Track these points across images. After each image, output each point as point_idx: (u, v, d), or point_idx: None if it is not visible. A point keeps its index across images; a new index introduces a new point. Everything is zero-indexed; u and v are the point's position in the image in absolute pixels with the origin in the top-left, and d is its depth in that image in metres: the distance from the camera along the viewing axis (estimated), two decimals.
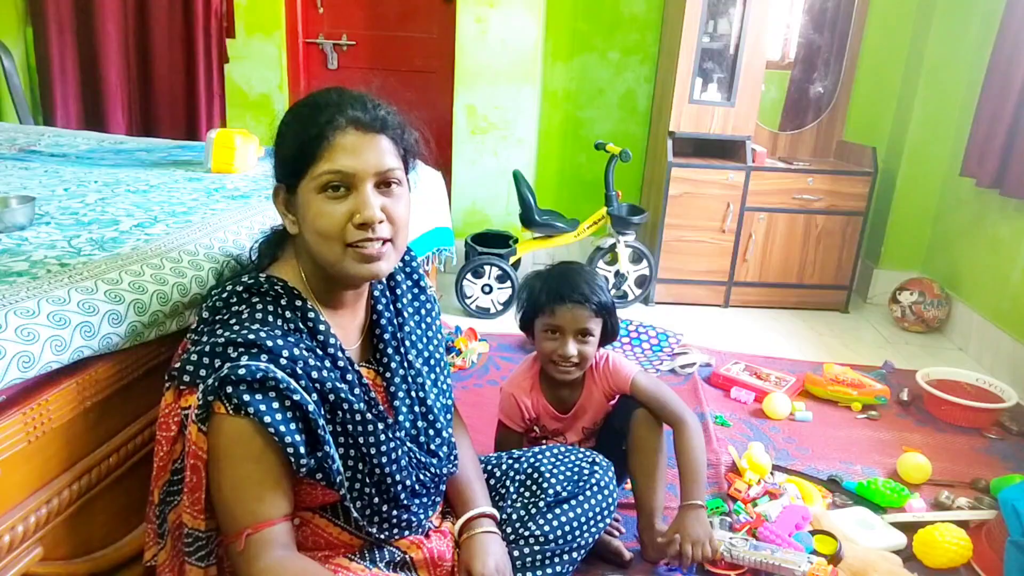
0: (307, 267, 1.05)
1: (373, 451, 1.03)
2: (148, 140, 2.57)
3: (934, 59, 3.20)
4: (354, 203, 0.98)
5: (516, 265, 3.12)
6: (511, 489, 1.31)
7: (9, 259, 1.11)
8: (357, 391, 1.05)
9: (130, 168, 1.98)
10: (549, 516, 1.26)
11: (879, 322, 3.26)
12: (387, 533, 1.10)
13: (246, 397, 0.91)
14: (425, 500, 1.14)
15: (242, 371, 0.90)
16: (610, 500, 1.35)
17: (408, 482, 1.07)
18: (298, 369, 0.95)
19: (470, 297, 3.02)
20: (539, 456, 1.37)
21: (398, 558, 1.10)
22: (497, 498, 1.30)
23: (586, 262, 3.21)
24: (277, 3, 3.41)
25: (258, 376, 0.91)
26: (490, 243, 3.13)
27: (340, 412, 1.00)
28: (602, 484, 1.33)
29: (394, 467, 1.04)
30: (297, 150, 0.99)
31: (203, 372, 0.94)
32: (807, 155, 3.56)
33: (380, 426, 1.04)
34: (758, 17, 3.05)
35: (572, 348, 1.52)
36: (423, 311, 1.22)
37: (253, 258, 1.14)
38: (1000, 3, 2.77)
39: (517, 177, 3.10)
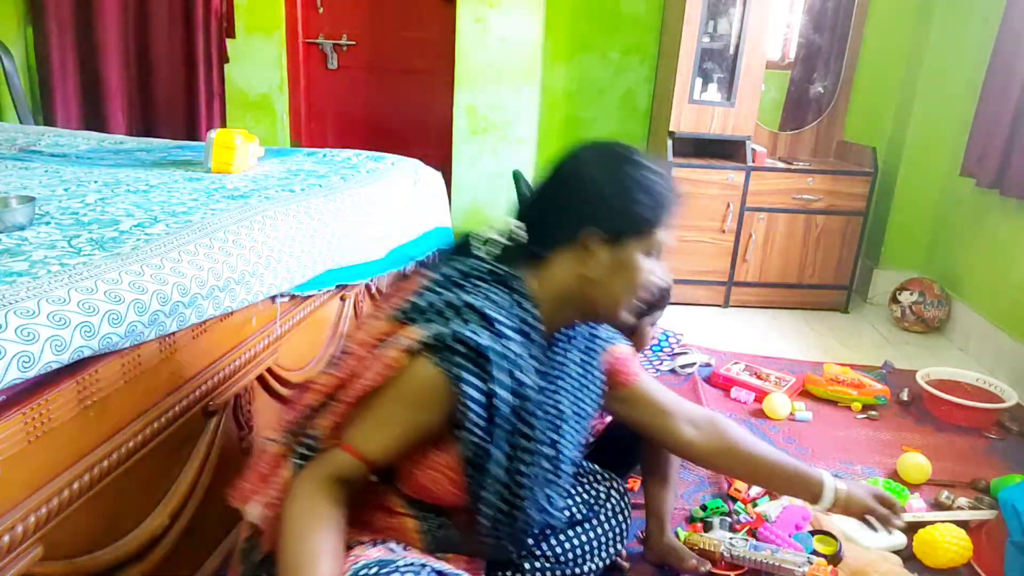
0: (551, 292, 1.08)
1: (523, 469, 1.05)
2: (148, 140, 2.57)
3: (934, 59, 3.20)
4: (658, 267, 1.10)
5: None
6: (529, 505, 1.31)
7: (9, 259, 1.11)
8: (540, 412, 1.08)
9: (130, 168, 1.98)
10: (562, 537, 1.27)
11: (879, 322, 3.26)
12: (490, 550, 1.11)
13: (464, 362, 0.95)
14: (530, 535, 1.16)
15: (480, 340, 0.95)
16: (624, 526, 1.35)
17: (529, 511, 1.08)
18: (513, 368, 1.00)
19: None
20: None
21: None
22: None
23: None
24: (277, 3, 3.41)
25: (485, 352, 0.95)
26: None
27: (526, 424, 1.03)
28: (617, 510, 1.34)
29: (525, 490, 1.06)
30: (652, 215, 1.05)
31: (435, 318, 0.98)
32: (807, 155, 3.56)
33: (541, 453, 1.07)
34: (758, 17, 3.05)
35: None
36: (590, 355, 1.21)
37: (480, 245, 1.14)
38: (1000, 3, 2.77)
39: (517, 177, 3.10)
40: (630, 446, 1.57)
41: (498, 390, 0.97)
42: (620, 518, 1.34)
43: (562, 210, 1.07)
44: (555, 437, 1.12)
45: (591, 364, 1.20)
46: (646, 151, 1.13)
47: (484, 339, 0.96)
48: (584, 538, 1.28)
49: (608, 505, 1.33)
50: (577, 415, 1.16)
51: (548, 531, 1.26)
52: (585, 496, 1.32)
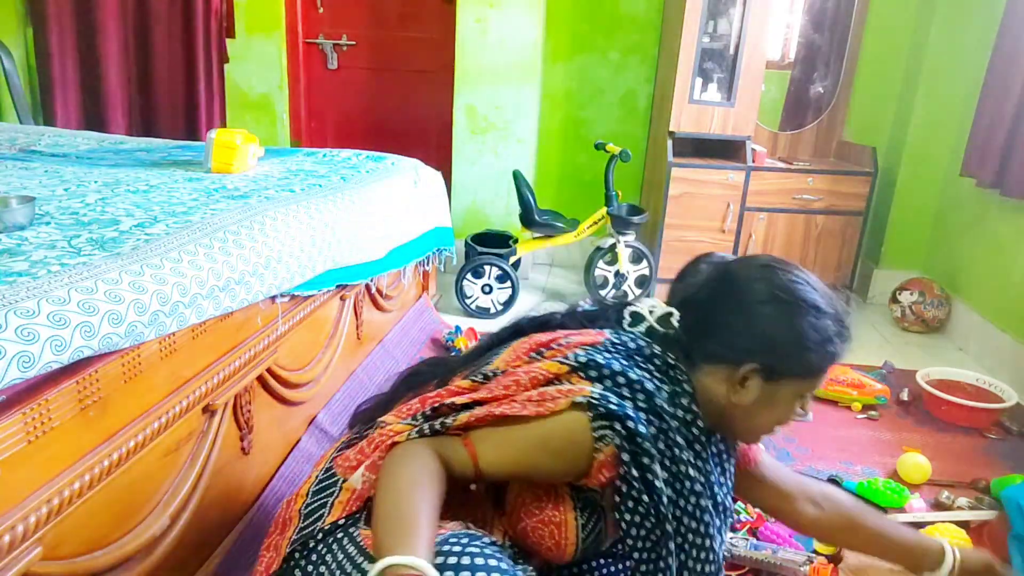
0: (699, 398, 1.07)
1: (663, 546, 1.03)
2: (148, 140, 2.57)
3: (934, 59, 3.20)
4: (805, 405, 1.09)
5: (516, 265, 3.12)
6: None
7: (9, 259, 1.11)
8: (706, 494, 1.07)
9: (130, 168, 1.98)
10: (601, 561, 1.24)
11: (879, 322, 3.26)
12: None
13: (618, 442, 0.96)
14: None
15: (643, 429, 0.96)
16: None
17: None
18: (667, 460, 1.00)
19: (470, 297, 3.02)
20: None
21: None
22: None
23: (586, 262, 3.21)
24: (277, 3, 3.41)
25: (639, 441, 0.96)
26: (490, 243, 3.13)
27: (686, 515, 1.03)
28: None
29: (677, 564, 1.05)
30: (818, 363, 1.04)
31: (608, 384, 0.99)
32: (807, 155, 3.56)
33: (704, 532, 1.06)
34: (758, 17, 3.05)
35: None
36: (727, 457, 1.19)
37: (637, 327, 1.13)
38: (1000, 3, 2.77)
39: (517, 177, 3.10)
40: None
41: (649, 476, 0.97)
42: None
43: (727, 331, 1.05)
44: (713, 532, 1.10)
45: (725, 460, 1.19)
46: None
47: (647, 431, 0.97)
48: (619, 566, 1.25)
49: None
50: (716, 511, 1.13)
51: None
52: None
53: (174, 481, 1.21)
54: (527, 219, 3.08)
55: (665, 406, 1.01)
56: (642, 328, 1.11)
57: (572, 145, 3.65)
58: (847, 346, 1.06)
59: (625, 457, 0.96)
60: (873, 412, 2.33)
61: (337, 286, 1.80)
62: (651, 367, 1.05)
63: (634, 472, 0.96)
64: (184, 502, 1.21)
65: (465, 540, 0.90)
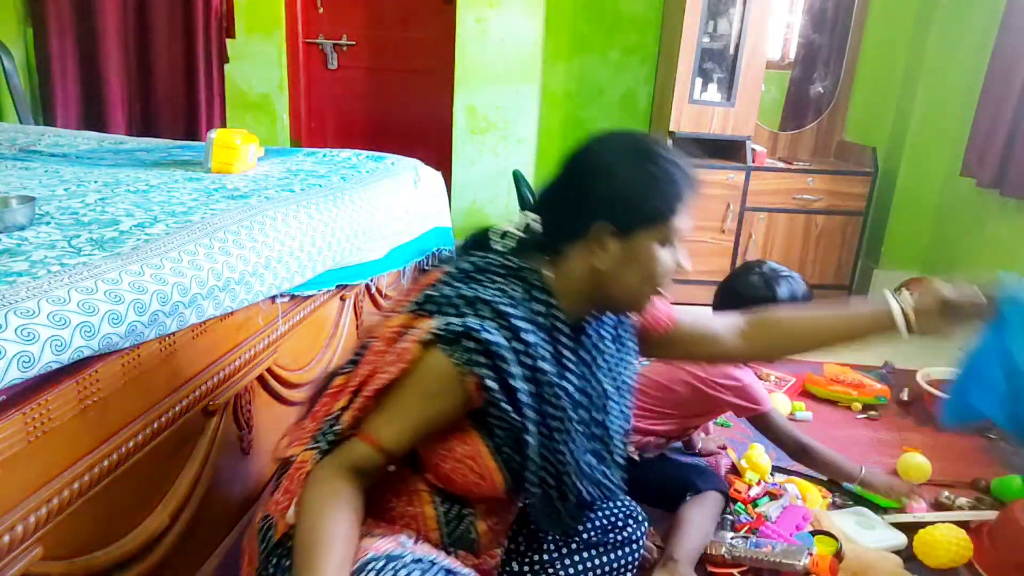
0: (569, 284, 1.08)
1: (564, 449, 1.06)
2: (148, 140, 2.57)
3: (934, 59, 3.20)
4: (676, 256, 1.08)
5: None
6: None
7: (9, 259, 1.11)
8: (577, 396, 1.08)
9: (130, 168, 1.97)
10: (576, 559, 1.27)
11: None
12: (542, 524, 1.13)
13: (477, 358, 0.96)
14: (587, 512, 1.17)
15: (488, 336, 0.96)
16: (637, 555, 1.36)
17: (583, 488, 1.10)
18: (527, 358, 1.00)
19: None
20: None
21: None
22: (532, 539, 1.30)
23: None
24: (277, 3, 3.41)
25: (493, 348, 0.96)
26: None
27: (549, 406, 1.04)
28: (632, 539, 1.34)
29: (575, 469, 1.08)
30: (663, 207, 1.04)
31: (449, 310, 1.00)
32: (807, 155, 3.56)
33: (580, 433, 1.08)
34: (758, 17, 3.05)
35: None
36: (623, 333, 1.23)
37: (498, 239, 1.15)
38: (1000, 3, 2.77)
39: (517, 177, 3.10)
40: (676, 488, 1.63)
41: (512, 382, 0.98)
42: (634, 547, 1.35)
43: (574, 204, 1.07)
44: (602, 416, 1.15)
45: (623, 337, 1.22)
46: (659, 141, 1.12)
47: (494, 335, 0.97)
48: (598, 560, 1.29)
49: (624, 534, 1.33)
50: (619, 390, 1.19)
51: (564, 550, 1.27)
52: (604, 522, 1.33)
53: (174, 481, 1.21)
54: None
55: (513, 311, 1.01)
56: (513, 243, 1.11)
57: (572, 145, 3.64)
58: (691, 183, 1.06)
59: (482, 371, 0.96)
60: (873, 412, 2.33)
61: (337, 286, 1.80)
62: (498, 278, 1.05)
63: (490, 383, 0.97)
64: (184, 502, 1.21)
65: (383, 563, 0.93)
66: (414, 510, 1.08)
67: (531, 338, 1.01)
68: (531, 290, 1.06)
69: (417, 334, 0.98)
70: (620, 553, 1.31)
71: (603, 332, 1.19)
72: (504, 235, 1.13)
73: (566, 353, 1.07)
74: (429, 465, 1.06)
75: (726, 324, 1.28)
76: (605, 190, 1.04)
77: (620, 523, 1.33)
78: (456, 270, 1.08)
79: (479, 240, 1.16)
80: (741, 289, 1.71)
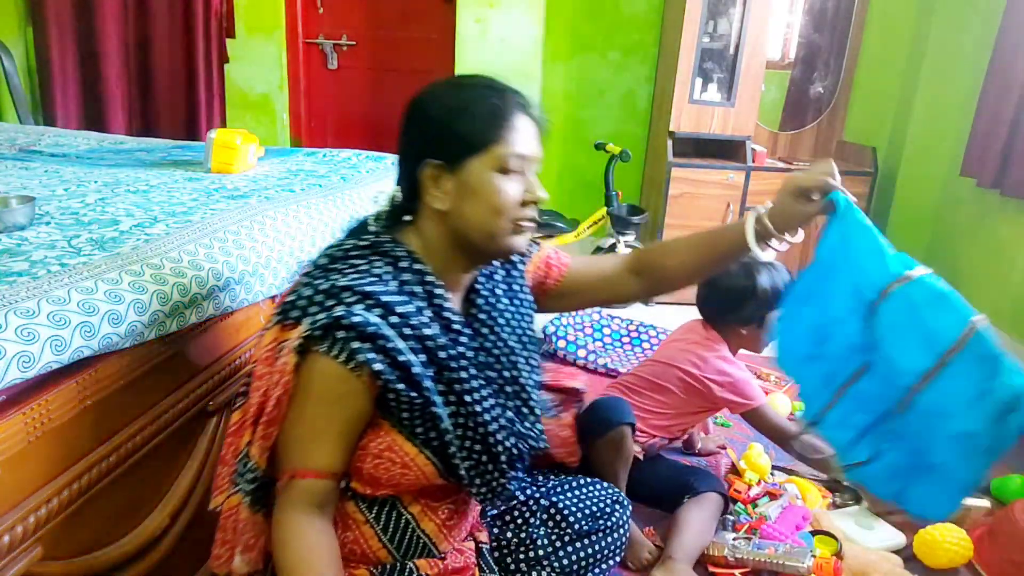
0: (432, 242, 1.06)
1: (478, 408, 1.05)
2: (148, 140, 2.57)
3: (934, 59, 3.20)
4: (526, 184, 1.04)
5: None
6: (536, 513, 1.32)
7: (9, 259, 1.11)
8: (470, 354, 1.07)
9: (130, 168, 1.98)
10: (570, 549, 1.29)
11: None
12: (485, 496, 1.12)
13: (355, 344, 0.93)
14: (519, 472, 1.16)
15: (357, 319, 0.93)
16: (624, 539, 1.38)
17: (508, 444, 1.09)
18: (407, 328, 0.98)
19: None
20: (562, 488, 1.39)
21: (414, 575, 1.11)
22: (522, 521, 1.31)
23: None
24: (277, 3, 3.41)
25: (368, 329, 0.93)
26: None
27: (448, 371, 1.02)
28: (620, 523, 1.36)
29: (495, 427, 1.07)
30: (478, 129, 1.00)
31: (313, 309, 0.96)
32: (807, 155, 3.56)
33: (488, 391, 1.07)
34: (758, 17, 3.05)
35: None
36: (515, 287, 1.22)
37: (372, 222, 1.13)
38: (1000, 3, 2.77)
39: None
40: (674, 489, 1.63)
41: (401, 358, 0.96)
42: (622, 531, 1.37)
43: (405, 155, 1.06)
44: (514, 373, 1.15)
45: (515, 289, 1.21)
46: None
47: (365, 316, 0.94)
48: (590, 550, 1.30)
49: (612, 519, 1.35)
50: (522, 342, 1.19)
51: (557, 543, 1.28)
52: (593, 510, 1.34)
53: (174, 481, 1.21)
54: None
55: (378, 288, 0.97)
56: (384, 222, 1.10)
57: (572, 145, 3.65)
58: (513, 105, 1.02)
59: (367, 355, 0.93)
60: None
61: None
62: (358, 260, 1.02)
63: (378, 366, 0.93)
64: (184, 502, 1.21)
65: None
66: (352, 535, 1.07)
67: (407, 308, 0.98)
68: (397, 261, 1.03)
69: (290, 345, 0.95)
70: (610, 540, 1.33)
71: (496, 290, 1.18)
72: (378, 216, 1.11)
73: (452, 317, 1.05)
74: (351, 471, 1.04)
75: (616, 264, 1.27)
76: (424, 128, 1.02)
77: (608, 509, 1.35)
78: (314, 267, 1.05)
79: (356, 230, 1.13)
80: (721, 278, 1.70)
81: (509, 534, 1.27)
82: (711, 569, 1.53)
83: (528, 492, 1.37)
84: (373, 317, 0.94)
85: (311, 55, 3.65)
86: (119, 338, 1.01)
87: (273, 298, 1.48)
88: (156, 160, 2.14)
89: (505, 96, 1.03)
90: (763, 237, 1.14)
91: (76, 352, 0.94)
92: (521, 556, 1.25)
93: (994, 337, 0.97)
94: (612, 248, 3.13)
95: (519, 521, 1.30)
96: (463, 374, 1.04)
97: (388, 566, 1.09)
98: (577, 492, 1.37)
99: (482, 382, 1.07)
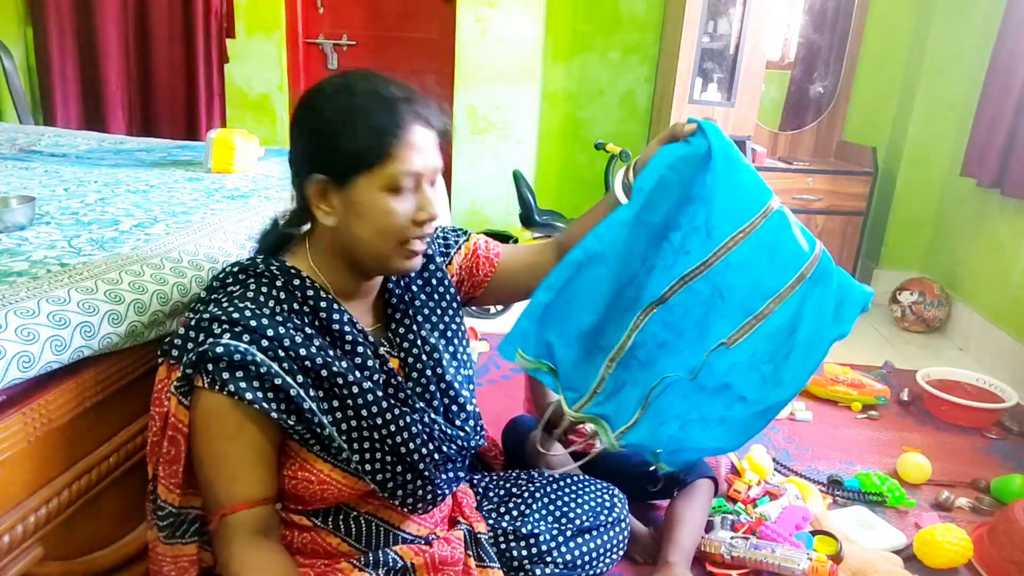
0: (321, 257, 1.04)
1: (380, 421, 1.01)
2: (148, 140, 2.58)
3: (934, 59, 3.20)
4: (417, 201, 0.99)
5: None
6: (536, 509, 1.32)
7: (9, 259, 1.11)
8: (371, 363, 1.04)
9: (130, 168, 1.98)
10: (572, 545, 1.29)
11: (879, 322, 3.26)
12: (412, 505, 1.09)
13: (225, 375, 0.91)
14: (450, 474, 1.14)
15: (220, 349, 0.90)
16: (624, 533, 1.39)
17: (425, 451, 1.06)
18: (280, 351, 0.94)
19: None
20: (559, 484, 1.39)
21: (399, 565, 1.10)
22: (518, 514, 1.31)
23: None
24: (277, 3, 3.41)
25: (235, 357, 0.91)
26: None
27: (337, 388, 0.99)
28: (620, 518, 1.37)
29: (405, 435, 1.03)
30: (365, 146, 0.94)
31: (189, 346, 0.93)
32: (807, 155, 3.56)
33: (390, 399, 1.04)
34: (758, 17, 3.05)
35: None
36: (434, 281, 1.19)
37: (254, 245, 1.13)
38: (1000, 3, 2.77)
39: (517, 177, 3.10)
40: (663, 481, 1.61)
41: (278, 381, 0.93)
42: (622, 526, 1.37)
43: (292, 164, 1.02)
44: (438, 371, 1.13)
45: (434, 283, 1.18)
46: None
47: (231, 344, 0.91)
48: (592, 544, 1.31)
49: (613, 514, 1.35)
50: (446, 337, 1.17)
51: (560, 538, 1.28)
52: (593, 505, 1.35)
53: None
54: (527, 219, 3.07)
55: (249, 311, 0.94)
56: (273, 231, 1.09)
57: (572, 145, 3.65)
58: (403, 116, 0.95)
59: (237, 385, 0.90)
60: (873, 412, 2.33)
61: None
62: (228, 288, 1.00)
63: (249, 395, 0.91)
64: None
65: None
66: (309, 535, 1.06)
67: (279, 330, 0.95)
68: (273, 280, 1.00)
69: (168, 387, 0.94)
70: (611, 534, 1.34)
71: (412, 287, 1.15)
72: (285, 216, 1.09)
73: (345, 328, 1.01)
74: (283, 495, 1.03)
75: (542, 248, 1.28)
76: (309, 140, 0.98)
77: (608, 504, 1.35)
78: (195, 302, 1.02)
79: (268, 233, 1.12)
80: None
81: (505, 523, 1.27)
82: (708, 567, 1.53)
83: (523, 486, 1.37)
84: (241, 344, 0.91)
85: (311, 55, 3.65)
86: (119, 338, 1.01)
87: None
88: (156, 160, 2.14)
89: (395, 106, 0.95)
90: (630, 187, 1.15)
91: (76, 352, 0.94)
92: (524, 552, 1.25)
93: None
94: None
95: (515, 513, 1.30)
96: (354, 388, 0.99)
97: (371, 556, 1.08)
98: (575, 487, 1.37)
99: (383, 392, 1.03)
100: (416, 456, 1.05)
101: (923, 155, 3.31)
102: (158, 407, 0.97)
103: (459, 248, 1.26)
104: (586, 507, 1.33)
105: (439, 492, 1.12)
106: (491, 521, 1.27)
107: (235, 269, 1.02)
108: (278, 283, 1.00)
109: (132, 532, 1.10)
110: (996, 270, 2.84)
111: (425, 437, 1.07)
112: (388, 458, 1.03)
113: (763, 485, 1.82)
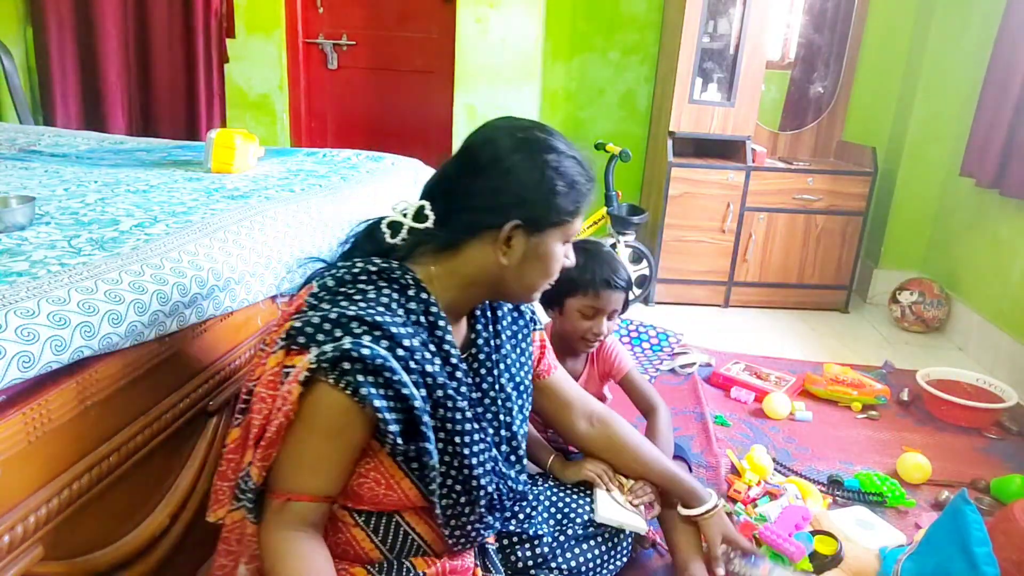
0: (452, 275, 1.06)
1: (467, 451, 1.04)
2: (148, 140, 2.57)
3: (934, 59, 3.20)
4: (566, 251, 1.11)
5: None
6: (540, 511, 1.33)
7: (9, 259, 1.11)
8: (464, 389, 1.06)
9: (130, 168, 1.98)
10: (576, 551, 1.30)
11: (879, 322, 3.26)
12: (458, 540, 1.10)
13: (360, 377, 0.91)
14: (498, 515, 1.15)
15: (365, 351, 0.91)
16: (628, 542, 1.39)
17: (491, 488, 1.08)
18: (412, 363, 0.96)
19: None
20: (564, 490, 1.40)
21: (411, 574, 1.10)
22: (524, 517, 1.32)
23: None
24: (277, 3, 3.41)
25: (376, 362, 0.92)
26: None
27: (443, 409, 1.01)
28: (623, 529, 1.37)
29: (481, 470, 1.06)
30: (573, 206, 1.05)
31: (321, 337, 0.94)
32: (807, 155, 3.56)
33: (478, 431, 1.06)
34: (758, 17, 3.05)
35: (606, 327, 1.59)
36: (520, 335, 1.23)
37: (387, 244, 1.10)
38: (1000, 3, 2.77)
39: None
40: None
41: (404, 391, 0.94)
42: (624, 534, 1.38)
43: (480, 197, 1.03)
44: (507, 419, 1.15)
45: (519, 338, 1.23)
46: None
47: (373, 349, 0.92)
48: (596, 551, 1.32)
49: None
50: (519, 390, 1.19)
51: (565, 544, 1.29)
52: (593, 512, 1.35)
53: (174, 481, 1.21)
54: None
55: (387, 319, 0.95)
56: (404, 234, 1.07)
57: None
58: (592, 183, 1.09)
59: (369, 390, 0.91)
60: (873, 412, 2.33)
61: None
62: (368, 286, 1.00)
63: (377, 402, 0.92)
64: (184, 502, 1.21)
65: None
66: (344, 536, 1.07)
67: (413, 342, 0.97)
68: (404, 289, 1.02)
69: (296, 373, 0.93)
70: (613, 543, 1.35)
71: (504, 334, 1.19)
72: (392, 225, 1.08)
73: (452, 351, 1.04)
74: (342, 491, 1.03)
75: (583, 402, 1.36)
76: (518, 190, 1.02)
77: None
78: (320, 289, 1.02)
79: (368, 232, 1.12)
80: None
81: (512, 525, 1.28)
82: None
83: (538, 489, 1.37)
84: (381, 350, 0.93)
85: (311, 55, 3.65)
86: (119, 338, 1.01)
87: (274, 298, 1.48)
88: (156, 160, 2.14)
89: (590, 174, 1.08)
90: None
91: (76, 352, 0.94)
92: (528, 553, 1.25)
93: None
94: (612, 248, 3.13)
95: (520, 516, 1.31)
96: (457, 415, 1.02)
97: (385, 564, 1.08)
98: (579, 495, 1.37)
99: (473, 424, 1.05)
100: (482, 492, 1.07)
101: (923, 155, 3.31)
102: (270, 390, 0.97)
103: (538, 329, 1.31)
104: (590, 514, 1.34)
105: (481, 534, 1.13)
106: (507, 540, 1.28)
107: (370, 267, 1.03)
108: (409, 292, 1.02)
109: (132, 532, 1.10)
110: (996, 270, 2.84)
111: (492, 475, 1.09)
112: (458, 487, 1.05)
113: (763, 485, 1.82)
